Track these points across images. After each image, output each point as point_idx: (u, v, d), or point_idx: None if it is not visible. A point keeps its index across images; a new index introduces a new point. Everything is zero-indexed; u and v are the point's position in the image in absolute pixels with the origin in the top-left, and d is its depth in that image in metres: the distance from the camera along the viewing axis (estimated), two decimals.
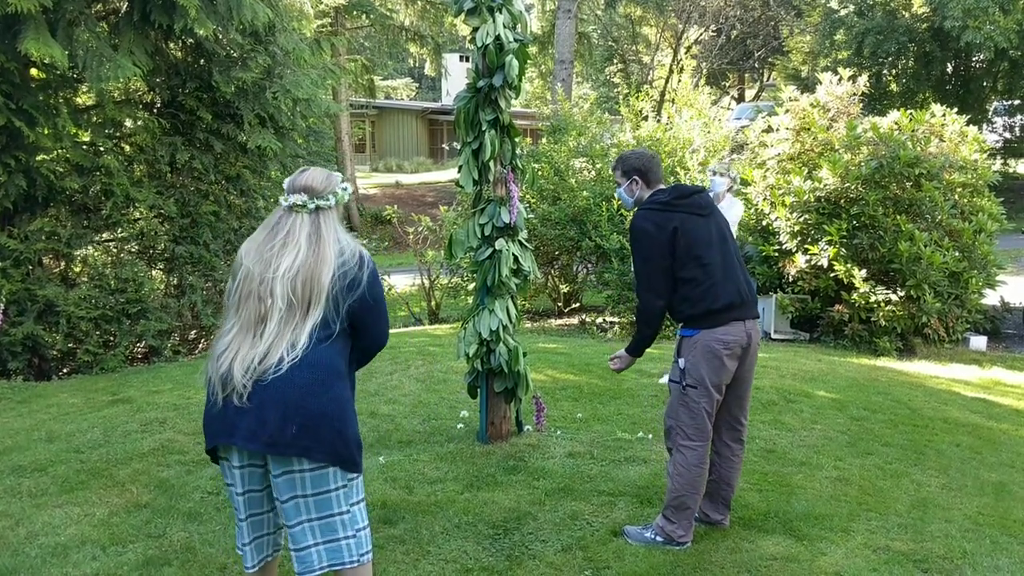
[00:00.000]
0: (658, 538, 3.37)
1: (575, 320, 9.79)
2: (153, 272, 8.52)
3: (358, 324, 2.54)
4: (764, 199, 8.43)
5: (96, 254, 8.40)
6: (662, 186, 3.54)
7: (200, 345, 9.00)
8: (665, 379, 5.11)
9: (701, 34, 30.48)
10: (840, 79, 8.80)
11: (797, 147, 8.64)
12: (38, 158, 7.40)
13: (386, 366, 6.60)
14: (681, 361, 3.36)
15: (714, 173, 6.13)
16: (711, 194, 5.72)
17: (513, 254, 4.46)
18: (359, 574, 2.57)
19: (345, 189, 2.59)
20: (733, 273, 3.39)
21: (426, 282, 10.93)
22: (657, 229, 3.31)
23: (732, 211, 6.08)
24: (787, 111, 8.85)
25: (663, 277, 3.32)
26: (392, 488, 4.00)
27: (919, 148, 7.80)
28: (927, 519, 3.62)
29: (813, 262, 7.85)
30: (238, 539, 2.65)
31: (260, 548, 2.68)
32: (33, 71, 7.53)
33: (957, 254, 7.51)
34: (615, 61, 32.91)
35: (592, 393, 5.71)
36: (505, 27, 4.28)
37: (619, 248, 8.75)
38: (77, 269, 8.20)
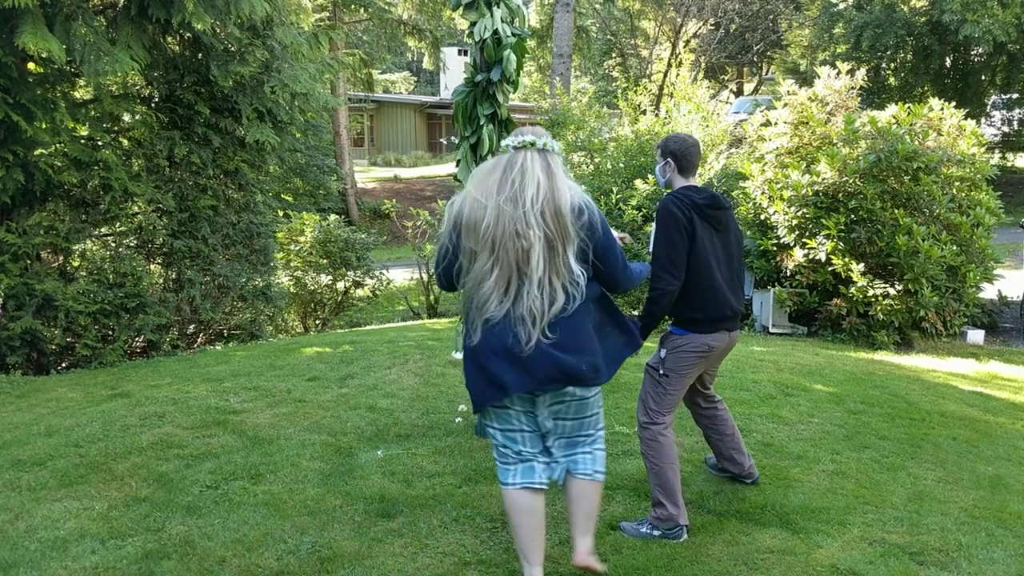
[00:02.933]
0: (654, 532, 3.40)
1: None
2: (152, 266, 8.53)
3: (600, 268, 2.74)
4: (762, 193, 8.44)
5: (94, 248, 8.40)
6: (696, 182, 3.60)
7: (198, 339, 9.02)
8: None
9: (700, 28, 30.43)
10: (838, 73, 8.79)
11: (795, 141, 8.64)
12: (36, 152, 7.40)
13: (384, 360, 6.61)
14: (663, 352, 3.55)
15: None
16: None
17: None
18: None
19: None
20: (733, 289, 3.55)
21: (424, 276, 10.94)
22: (686, 220, 3.39)
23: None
24: (785, 105, 8.85)
25: (682, 264, 3.39)
26: (390, 481, 4.01)
27: (917, 142, 7.80)
28: (923, 512, 3.64)
29: (811, 256, 7.86)
30: (526, 476, 2.86)
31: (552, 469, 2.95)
32: (31, 65, 7.52)
33: (955, 248, 7.52)
34: (613, 55, 32.87)
35: None
36: (503, 21, 4.28)
37: None
38: (76, 263, 8.20)
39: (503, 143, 2.77)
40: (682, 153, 3.55)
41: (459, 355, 6.31)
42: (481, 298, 2.66)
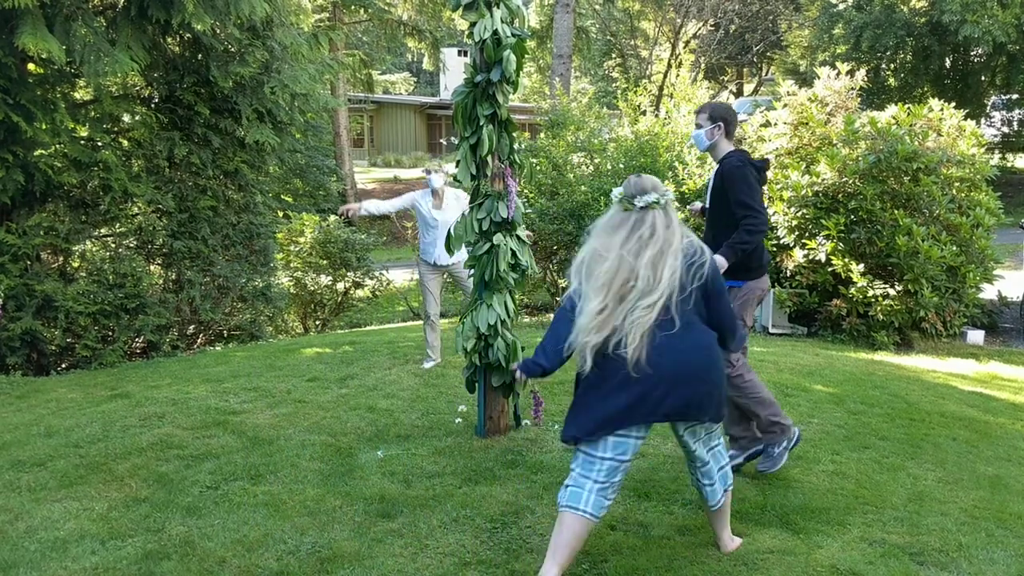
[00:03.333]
0: (778, 449, 3.92)
1: None
2: (151, 267, 8.53)
3: (708, 308, 2.99)
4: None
5: (94, 249, 8.40)
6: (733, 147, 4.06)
7: (198, 340, 9.02)
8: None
9: (699, 28, 30.43)
10: (838, 73, 8.80)
11: (795, 142, 8.64)
12: (36, 153, 7.39)
13: (384, 361, 6.61)
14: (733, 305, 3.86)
15: (428, 172, 6.30)
16: (431, 190, 6.18)
17: (511, 249, 4.46)
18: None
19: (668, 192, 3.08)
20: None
21: None
22: (754, 174, 3.91)
23: (461, 203, 6.22)
24: (785, 106, 8.85)
25: (764, 208, 3.90)
26: (390, 482, 4.01)
27: (917, 142, 7.80)
28: (923, 512, 3.64)
29: (811, 256, 7.86)
30: (599, 503, 2.96)
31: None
32: (31, 66, 7.52)
33: (955, 248, 7.52)
34: (613, 56, 32.87)
35: None
36: (503, 22, 4.27)
37: None
38: (75, 264, 8.20)
39: (622, 194, 3.03)
40: (730, 118, 4.03)
41: (429, 364, 6.28)
42: (589, 334, 2.90)
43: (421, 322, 10.17)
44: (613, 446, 2.92)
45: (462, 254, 6.24)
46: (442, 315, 10.63)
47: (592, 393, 2.94)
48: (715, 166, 4.08)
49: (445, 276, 6.57)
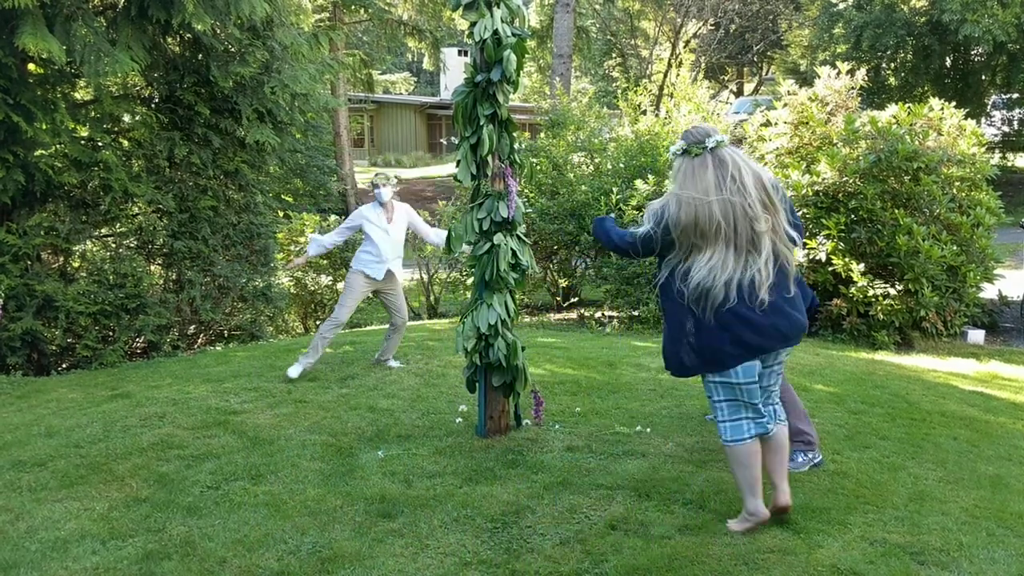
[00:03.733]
0: (811, 456, 4.11)
1: (574, 315, 9.80)
2: (152, 267, 8.53)
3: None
4: None
5: (95, 249, 8.41)
6: None
7: (199, 340, 9.02)
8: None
9: (700, 28, 30.44)
10: (838, 73, 8.79)
11: (795, 141, 8.64)
12: (36, 153, 7.39)
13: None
14: None
15: (375, 187, 6.14)
16: (379, 203, 6.10)
17: (511, 248, 4.46)
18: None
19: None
20: None
21: (425, 277, 10.94)
22: None
23: (409, 216, 6.26)
24: (785, 105, 8.84)
25: None
26: (391, 482, 4.01)
27: (917, 142, 7.79)
28: (924, 512, 3.64)
29: (811, 256, 7.86)
30: (745, 431, 3.36)
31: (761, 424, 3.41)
32: (31, 66, 7.52)
33: (955, 248, 7.51)
34: (614, 55, 32.87)
35: (590, 387, 5.72)
36: (503, 21, 4.28)
37: None
38: (76, 264, 8.20)
39: (684, 146, 3.24)
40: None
41: (295, 372, 6.05)
42: (715, 281, 3.15)
43: (420, 321, 10.20)
44: (744, 371, 3.28)
45: (398, 272, 6.25)
46: (442, 315, 10.70)
47: (731, 325, 3.21)
48: None
49: (374, 293, 6.35)
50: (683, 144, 3.28)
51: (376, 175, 6.30)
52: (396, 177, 6.41)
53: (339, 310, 6.20)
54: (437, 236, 6.32)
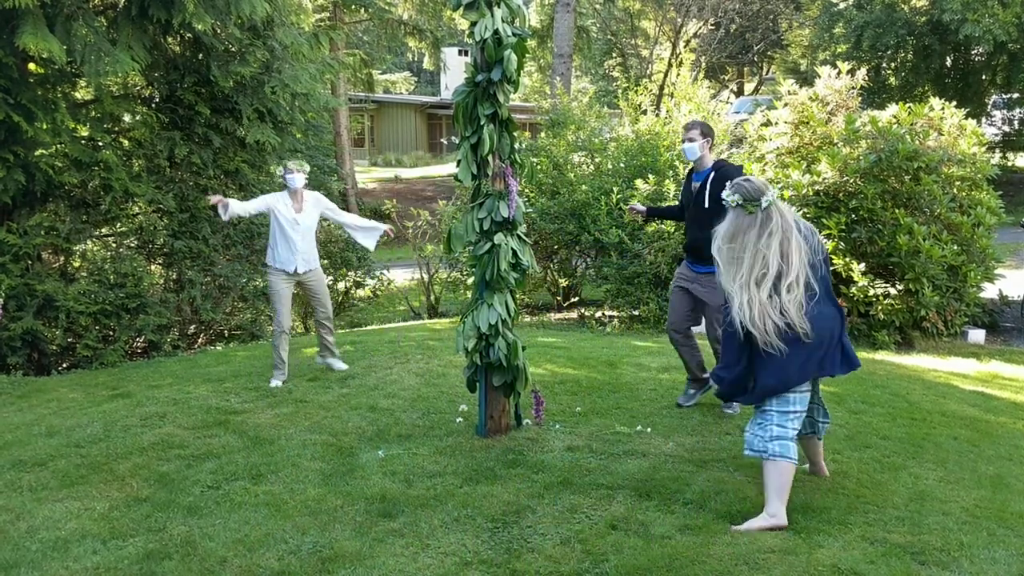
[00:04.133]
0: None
1: (574, 314, 9.80)
2: (152, 267, 8.54)
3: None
4: None
5: (95, 249, 8.41)
6: None
7: (199, 339, 9.02)
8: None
9: (700, 28, 30.43)
10: (839, 73, 8.78)
11: (796, 141, 8.63)
12: (37, 153, 7.40)
13: (385, 360, 6.61)
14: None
15: (287, 171, 5.94)
16: (290, 192, 5.95)
17: (512, 248, 4.46)
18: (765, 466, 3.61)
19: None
20: None
21: (425, 276, 10.94)
22: None
23: (320, 205, 6.10)
24: (786, 105, 8.84)
25: None
26: (391, 482, 4.01)
27: (918, 142, 7.79)
28: (924, 512, 3.64)
29: None
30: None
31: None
32: (31, 66, 7.52)
33: (956, 247, 7.51)
34: (614, 55, 32.87)
35: (591, 387, 5.72)
36: (503, 21, 4.27)
37: (618, 242, 8.75)
38: (76, 264, 8.21)
39: (742, 199, 3.54)
40: (714, 134, 4.98)
41: (277, 383, 5.89)
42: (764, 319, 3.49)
43: (420, 321, 10.19)
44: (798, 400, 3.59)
45: (315, 263, 6.10)
46: (442, 315, 10.69)
47: (772, 360, 3.51)
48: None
49: (296, 287, 6.18)
50: (739, 197, 3.55)
51: (290, 161, 6.08)
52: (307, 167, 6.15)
53: (275, 318, 6.07)
54: (353, 220, 6.22)
